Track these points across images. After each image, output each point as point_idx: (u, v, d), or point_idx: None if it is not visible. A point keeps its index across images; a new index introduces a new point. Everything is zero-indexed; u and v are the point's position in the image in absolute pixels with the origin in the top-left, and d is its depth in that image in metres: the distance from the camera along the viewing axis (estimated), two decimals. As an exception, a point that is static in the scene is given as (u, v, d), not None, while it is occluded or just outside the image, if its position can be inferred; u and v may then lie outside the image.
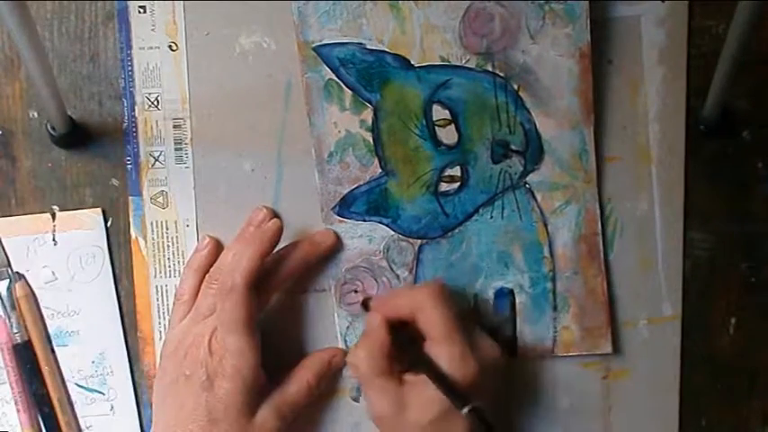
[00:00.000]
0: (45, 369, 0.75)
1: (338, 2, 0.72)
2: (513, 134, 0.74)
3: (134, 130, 0.75)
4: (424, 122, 0.73)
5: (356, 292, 0.75)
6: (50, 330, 0.76)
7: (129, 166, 0.76)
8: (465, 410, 0.64)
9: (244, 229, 0.74)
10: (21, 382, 0.75)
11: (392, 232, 0.74)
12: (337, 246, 0.74)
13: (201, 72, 0.75)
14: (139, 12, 0.74)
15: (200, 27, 0.75)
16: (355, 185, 0.74)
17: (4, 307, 0.75)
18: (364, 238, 0.74)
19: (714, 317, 0.78)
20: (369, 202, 0.74)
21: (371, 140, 0.73)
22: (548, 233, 0.74)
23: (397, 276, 0.75)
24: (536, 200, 0.74)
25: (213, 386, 0.68)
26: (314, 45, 0.73)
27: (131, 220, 0.76)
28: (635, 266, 0.76)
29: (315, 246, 0.74)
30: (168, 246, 0.76)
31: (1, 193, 0.76)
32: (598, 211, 0.75)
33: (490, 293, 0.75)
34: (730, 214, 0.77)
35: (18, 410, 0.75)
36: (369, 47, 0.73)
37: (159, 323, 0.76)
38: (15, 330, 0.75)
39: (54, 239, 0.76)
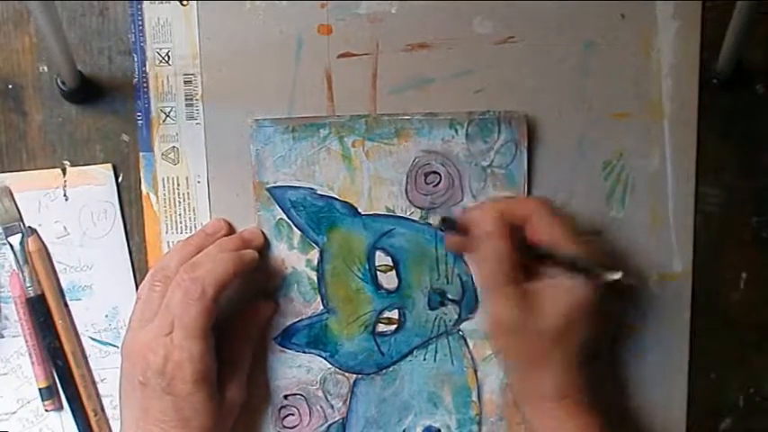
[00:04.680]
0: (59, 323, 0.76)
1: (294, 148, 0.75)
2: (450, 284, 0.76)
3: (145, 85, 0.75)
4: (367, 267, 0.76)
5: (292, 416, 0.78)
6: (63, 285, 0.77)
7: (140, 122, 0.76)
8: (615, 277, 0.66)
9: (224, 239, 0.74)
10: (35, 335, 0.76)
11: (329, 365, 0.77)
12: (263, 246, 0.76)
13: (212, 27, 0.75)
14: (149, -35, 0.74)
15: (210, -18, 0.74)
16: (297, 319, 0.77)
17: (18, 261, 0.76)
18: (303, 369, 0.77)
19: (725, 272, 0.78)
20: (309, 336, 0.77)
21: (316, 279, 0.76)
22: (477, 379, 0.77)
23: (332, 406, 0.77)
24: (468, 347, 0.77)
25: (175, 389, 0.68)
26: (268, 186, 0.75)
27: (142, 175, 0.76)
28: (646, 222, 0.76)
29: (245, 242, 0.74)
30: (180, 202, 0.76)
31: (12, 147, 0.76)
32: None
33: (419, 430, 0.77)
34: (742, 168, 0.77)
35: (33, 363, 0.76)
36: (319, 192, 0.75)
37: (171, 278, 0.76)
38: (29, 284, 0.76)
39: (65, 195, 0.76)
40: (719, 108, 0.76)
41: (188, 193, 0.76)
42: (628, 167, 0.76)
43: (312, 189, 0.75)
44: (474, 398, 0.77)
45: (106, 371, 0.77)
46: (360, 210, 0.76)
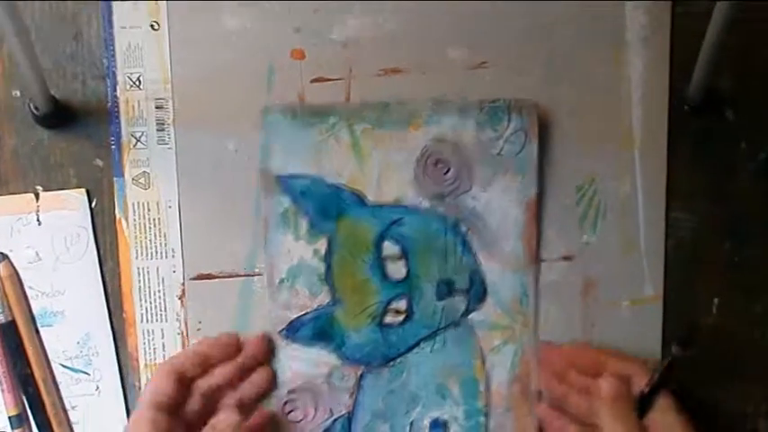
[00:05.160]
0: (29, 349, 0.76)
1: (302, 135, 0.74)
2: (459, 274, 0.76)
3: (117, 110, 0.75)
4: (375, 256, 0.76)
5: (297, 410, 0.76)
6: (35, 311, 0.76)
7: (113, 147, 0.75)
8: None
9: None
10: (5, 362, 0.75)
11: (336, 358, 0.76)
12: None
13: (184, 52, 0.75)
14: (121, -10, 0.74)
15: (182, 6, 0.74)
16: (303, 312, 0.76)
17: (-11, 287, 0.75)
18: (308, 363, 0.76)
19: (698, 297, 0.78)
20: (315, 329, 0.76)
21: (323, 270, 0.76)
22: (485, 370, 0.77)
23: (338, 400, 0.77)
24: (476, 337, 0.77)
25: None
26: (275, 174, 0.75)
27: (116, 200, 0.76)
28: (617, 248, 0.76)
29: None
30: (150, 227, 0.75)
31: (-16, 172, 0.76)
32: (533, 353, 0.77)
33: (426, 423, 0.77)
34: (714, 194, 0.77)
35: (2, 390, 0.75)
36: (328, 181, 0.75)
37: (141, 305, 0.76)
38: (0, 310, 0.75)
39: (38, 220, 0.76)
40: (691, 134, 0.76)
41: (159, 219, 0.75)
42: (600, 192, 0.76)
43: (320, 177, 0.75)
44: (482, 389, 0.77)
45: (77, 398, 0.77)
46: (368, 198, 0.75)
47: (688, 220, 0.77)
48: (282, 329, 0.76)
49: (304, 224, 0.75)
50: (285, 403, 0.76)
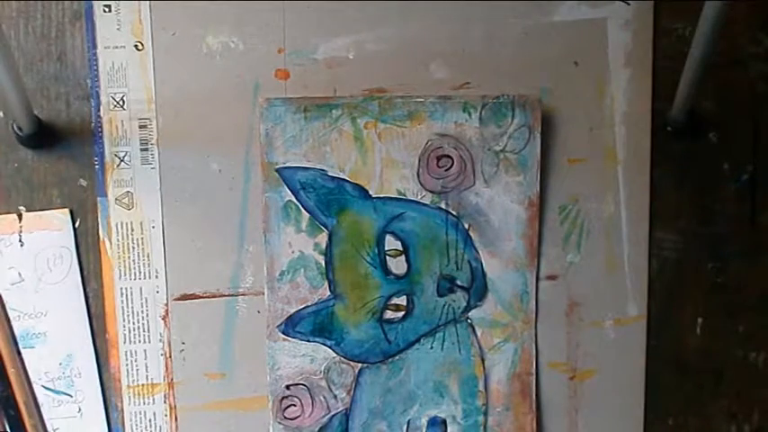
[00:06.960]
0: (11, 371, 0.75)
1: (305, 128, 0.74)
2: (460, 270, 0.76)
3: (100, 130, 0.75)
4: (376, 251, 0.76)
5: (294, 406, 0.76)
6: (17, 332, 0.75)
7: (97, 167, 0.75)
8: None
9: None
10: (-14, 384, 0.75)
11: (334, 354, 0.76)
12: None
13: (168, 72, 0.75)
14: (104, 11, 0.74)
15: (166, 27, 0.74)
16: (303, 306, 0.76)
17: (-30, 308, 0.75)
18: (306, 358, 0.76)
19: (681, 317, 0.78)
20: (315, 323, 0.76)
21: (323, 263, 0.75)
22: (484, 368, 0.77)
23: (335, 396, 0.76)
24: (476, 335, 0.77)
25: None
26: (277, 166, 0.75)
27: (99, 220, 0.75)
28: (601, 267, 0.77)
29: None
30: (133, 247, 0.75)
31: (-33, 193, 0.76)
32: (534, 352, 0.77)
33: (423, 421, 0.77)
34: (697, 215, 0.78)
35: (-16, 413, 0.75)
36: (330, 174, 0.75)
37: (124, 326, 0.75)
38: (-19, 332, 0.75)
39: (20, 240, 0.75)
40: (675, 155, 0.77)
41: (142, 239, 0.75)
42: (583, 212, 0.76)
43: (323, 170, 0.75)
44: (481, 387, 0.76)
45: (59, 420, 0.76)
46: (371, 192, 0.75)
47: (671, 240, 0.77)
48: (281, 323, 0.75)
49: (305, 217, 0.75)
50: (282, 399, 0.75)
